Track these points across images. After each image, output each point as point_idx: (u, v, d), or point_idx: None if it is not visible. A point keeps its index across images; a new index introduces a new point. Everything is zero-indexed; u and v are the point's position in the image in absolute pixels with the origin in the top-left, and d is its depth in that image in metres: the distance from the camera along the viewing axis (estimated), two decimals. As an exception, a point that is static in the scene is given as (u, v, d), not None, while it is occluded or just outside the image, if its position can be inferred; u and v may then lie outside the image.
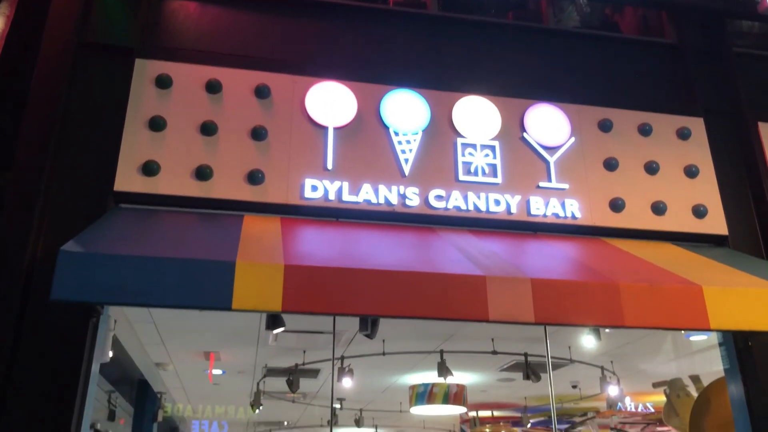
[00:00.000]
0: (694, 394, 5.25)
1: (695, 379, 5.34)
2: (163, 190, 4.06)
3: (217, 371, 8.27)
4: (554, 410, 4.47)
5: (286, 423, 13.78)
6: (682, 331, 6.68)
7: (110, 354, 4.86)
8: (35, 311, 3.58)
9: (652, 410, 11.30)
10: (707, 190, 4.89)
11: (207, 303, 3.12)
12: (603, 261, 3.94)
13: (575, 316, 3.41)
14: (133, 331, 6.59)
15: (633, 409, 11.43)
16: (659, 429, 11.52)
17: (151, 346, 7.17)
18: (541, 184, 4.59)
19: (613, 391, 7.40)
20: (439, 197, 4.39)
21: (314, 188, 4.24)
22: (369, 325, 4.63)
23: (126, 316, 6.07)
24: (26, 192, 3.83)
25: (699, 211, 4.78)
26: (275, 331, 4.56)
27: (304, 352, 7.19)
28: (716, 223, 4.80)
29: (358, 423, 10.87)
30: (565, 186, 4.63)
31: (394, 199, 4.32)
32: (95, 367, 3.82)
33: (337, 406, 10.14)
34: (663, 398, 10.39)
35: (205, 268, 3.13)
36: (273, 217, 4.16)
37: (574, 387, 9.03)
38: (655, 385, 7.68)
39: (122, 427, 10.59)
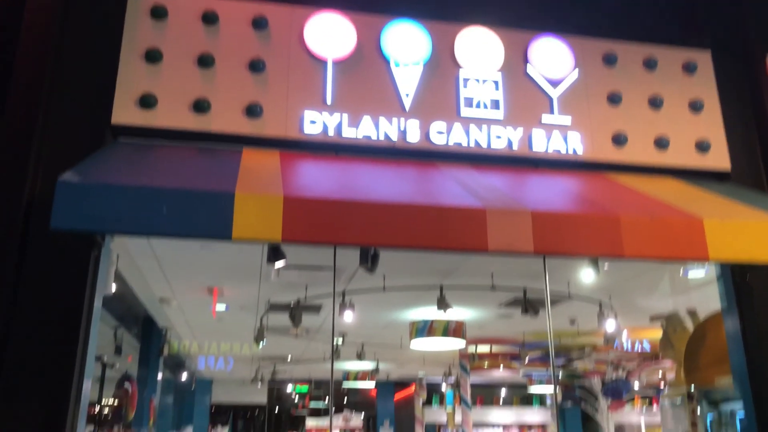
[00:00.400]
0: (691, 328, 5.33)
1: (692, 313, 5.42)
2: (160, 123, 4.02)
3: (220, 307, 8.40)
4: (552, 344, 4.55)
5: (290, 358, 14.10)
6: (681, 268, 6.76)
7: (113, 287, 4.94)
8: (36, 245, 3.60)
9: (648, 349, 11.53)
10: (711, 125, 4.84)
11: (207, 233, 3.14)
12: (604, 195, 3.93)
13: (574, 247, 3.43)
14: (136, 266, 6.66)
15: (629, 347, 11.66)
16: (655, 365, 11.80)
17: (155, 281, 7.26)
18: (544, 118, 4.53)
19: (610, 326, 7.53)
20: (440, 132, 4.35)
21: (313, 122, 4.19)
22: (369, 260, 4.67)
23: (128, 251, 6.12)
24: (22, 127, 3.80)
25: (702, 146, 4.74)
26: (277, 265, 4.60)
27: (306, 287, 7.28)
28: (719, 159, 4.76)
29: (360, 357, 11.12)
30: (568, 120, 4.57)
31: (394, 134, 4.28)
32: (98, 300, 3.87)
33: (339, 340, 10.35)
34: (659, 335, 10.60)
35: (205, 198, 3.13)
36: (272, 150, 4.13)
37: (572, 323, 9.18)
38: (653, 319, 7.81)
39: (130, 364, 10.86)
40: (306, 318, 8.45)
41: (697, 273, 6.50)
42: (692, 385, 5.00)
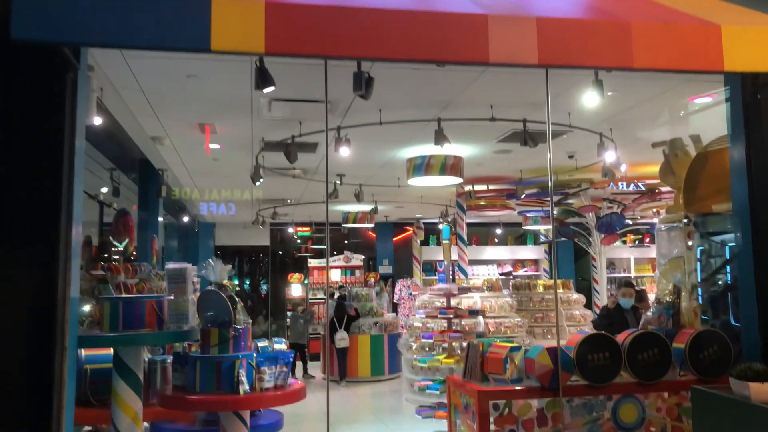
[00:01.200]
0: (693, 153, 5.22)
1: (695, 138, 5.28)
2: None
3: (214, 146, 8.27)
4: (551, 167, 4.45)
5: (289, 200, 14.27)
6: (686, 97, 6.54)
7: (97, 119, 4.75)
8: (6, 69, 3.34)
9: (643, 188, 11.60)
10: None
11: (183, 44, 2.89)
12: (615, 1, 3.62)
13: (581, 57, 3.20)
14: (123, 100, 6.43)
15: (624, 187, 11.73)
16: (650, 201, 11.95)
17: (144, 117, 7.06)
18: None
19: (610, 157, 7.44)
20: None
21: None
22: (363, 84, 4.43)
23: (111, 83, 5.86)
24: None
25: (725, -48, 4.32)
26: (265, 91, 4.37)
27: (300, 123, 7.09)
28: (742, -34, 4.36)
29: (358, 198, 11.20)
30: None
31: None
32: (80, 131, 3.68)
33: (337, 181, 10.36)
34: (656, 170, 10.59)
35: (179, 5, 2.85)
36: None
37: (570, 157, 9.11)
38: (655, 145, 7.71)
39: (134, 212, 10.94)
40: (303, 157, 8.36)
41: (704, 99, 6.29)
42: (690, 211, 4.97)
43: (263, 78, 4.28)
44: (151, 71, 5.64)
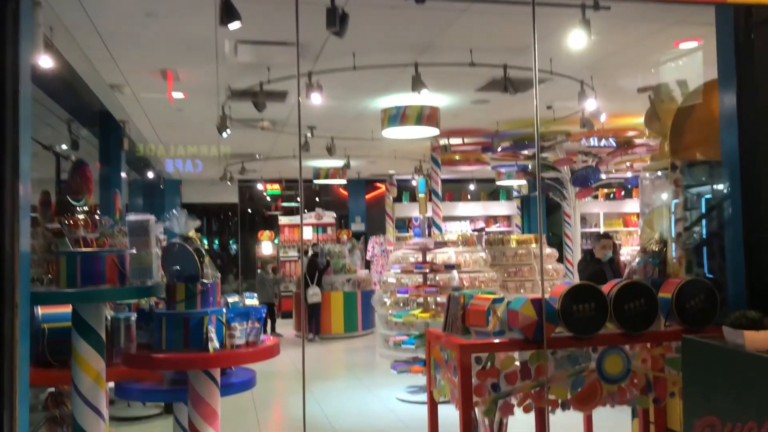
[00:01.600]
0: (679, 99, 5.03)
1: (682, 84, 5.10)
2: None
3: (177, 94, 7.85)
4: (537, 111, 4.22)
5: (258, 155, 13.87)
6: (671, 41, 6.33)
7: (45, 58, 4.37)
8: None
9: (615, 145, 11.51)
10: None
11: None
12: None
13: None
14: (77, 43, 5.97)
15: (596, 143, 11.64)
16: (626, 155, 11.87)
17: (101, 63, 6.60)
18: None
19: (590, 105, 7.24)
20: None
21: None
22: (337, 20, 4.12)
23: (62, 22, 5.41)
24: None
25: None
26: (231, 27, 4.03)
27: (269, 69, 6.71)
28: None
29: (330, 151, 10.88)
30: None
31: None
32: (25, 66, 3.32)
33: (308, 133, 10.01)
34: (635, 121, 10.48)
35: None
36: None
37: (549, 108, 8.90)
38: (640, 90, 7.52)
39: (98, 170, 10.47)
40: (272, 107, 8.00)
41: (689, 44, 6.10)
42: (677, 158, 4.81)
43: (228, 12, 3.94)
44: (107, 9, 5.21)
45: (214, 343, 3.73)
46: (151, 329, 3.90)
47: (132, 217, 4.18)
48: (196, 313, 3.78)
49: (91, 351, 3.86)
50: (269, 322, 12.88)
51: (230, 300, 4.34)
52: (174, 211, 4.03)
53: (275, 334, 12.96)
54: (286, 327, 13.49)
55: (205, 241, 20.65)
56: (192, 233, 4.09)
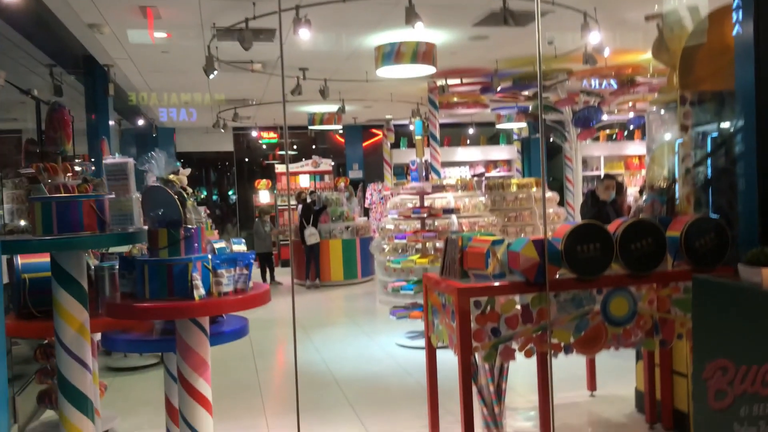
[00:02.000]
0: (690, 27, 4.71)
1: (693, 10, 4.77)
2: None
3: (160, 33, 7.46)
4: (539, 43, 3.92)
5: (252, 101, 13.50)
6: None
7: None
8: None
9: (615, 87, 11.15)
10: None
11: None
12: None
13: None
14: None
15: (597, 85, 11.27)
16: (629, 94, 11.51)
17: (77, 1, 6.22)
18: None
19: (594, 38, 6.88)
20: None
21: None
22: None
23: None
24: None
25: None
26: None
27: (254, 3, 6.34)
28: None
29: (323, 95, 10.51)
30: None
31: None
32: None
33: (300, 75, 9.65)
34: (638, 58, 10.09)
35: None
36: None
37: (550, 44, 8.52)
38: (648, 18, 7.13)
39: (92, 121, 10.11)
40: (260, 47, 7.65)
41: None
42: (687, 90, 4.53)
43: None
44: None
45: (200, 291, 3.53)
46: (133, 277, 3.70)
47: (110, 160, 3.94)
48: (180, 260, 3.57)
49: (72, 301, 3.68)
50: (268, 271, 12.78)
51: (217, 246, 4.14)
52: (153, 152, 3.78)
53: (274, 282, 12.87)
54: (285, 275, 13.40)
55: (204, 192, 20.44)
56: (173, 176, 3.84)
